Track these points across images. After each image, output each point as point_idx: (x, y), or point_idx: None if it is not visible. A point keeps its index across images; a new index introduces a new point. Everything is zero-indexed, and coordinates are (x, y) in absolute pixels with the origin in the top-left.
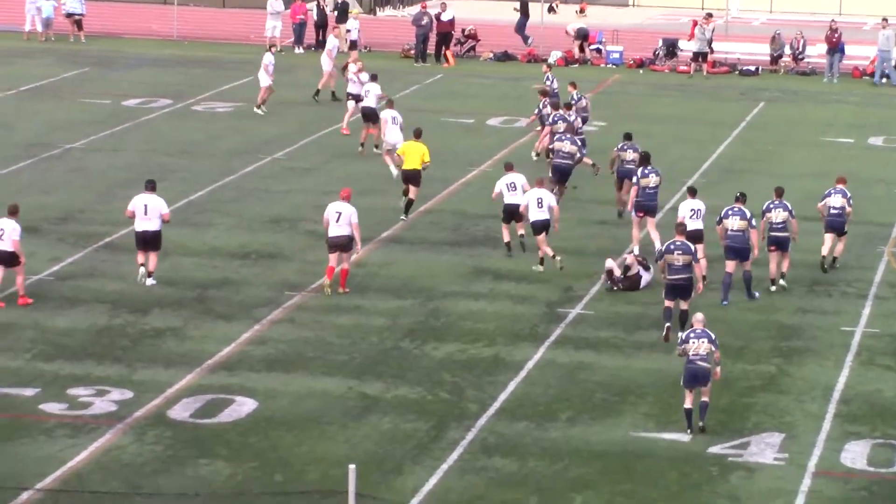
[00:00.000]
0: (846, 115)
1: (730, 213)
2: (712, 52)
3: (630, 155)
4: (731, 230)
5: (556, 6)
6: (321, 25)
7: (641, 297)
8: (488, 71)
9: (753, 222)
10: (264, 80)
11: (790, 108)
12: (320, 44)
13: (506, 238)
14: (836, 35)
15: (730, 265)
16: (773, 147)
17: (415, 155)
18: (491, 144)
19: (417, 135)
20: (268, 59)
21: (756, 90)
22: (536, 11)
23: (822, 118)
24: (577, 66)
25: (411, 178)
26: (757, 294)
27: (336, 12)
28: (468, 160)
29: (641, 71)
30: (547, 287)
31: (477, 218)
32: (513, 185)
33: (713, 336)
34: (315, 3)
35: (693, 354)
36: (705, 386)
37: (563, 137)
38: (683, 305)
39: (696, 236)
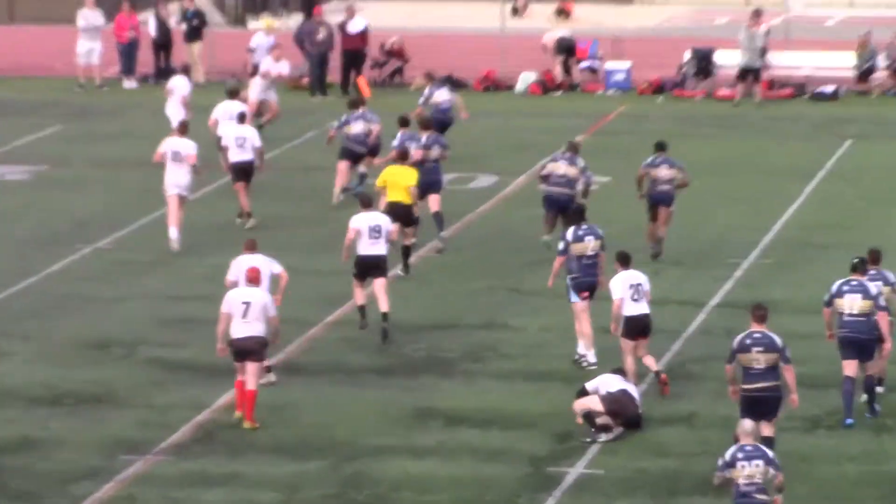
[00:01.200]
0: None
1: (845, 289)
2: (767, 66)
3: (665, 172)
4: (849, 314)
5: (523, 5)
6: (162, 46)
7: (676, 438)
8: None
9: (882, 300)
10: (176, 112)
11: (891, 147)
12: (163, 73)
13: (359, 300)
14: None
15: (849, 366)
16: (866, 207)
17: (400, 182)
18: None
19: (402, 156)
20: (180, 85)
21: (838, 122)
22: (492, 14)
23: None
24: (559, 93)
25: (401, 214)
26: (877, 407)
27: (186, 26)
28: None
29: (661, 98)
30: (531, 434)
31: (415, 330)
32: (376, 228)
33: (771, 455)
34: (152, 13)
35: (745, 483)
36: None
37: (558, 157)
38: (767, 430)
39: (643, 327)
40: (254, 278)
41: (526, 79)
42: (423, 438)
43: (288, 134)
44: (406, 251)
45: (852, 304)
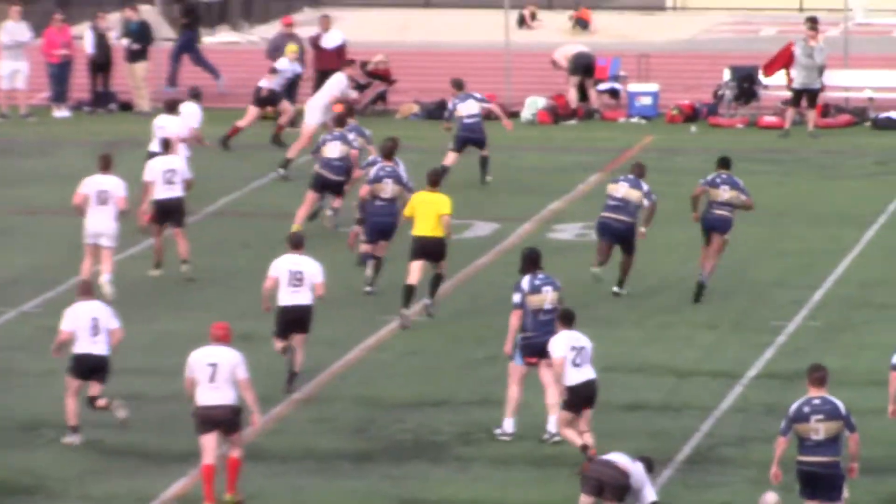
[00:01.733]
0: None
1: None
2: (824, 88)
3: (726, 193)
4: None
5: (533, 15)
6: (100, 66)
7: None
8: (412, 137)
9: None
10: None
11: None
12: (101, 99)
13: (278, 345)
14: None
15: None
16: None
17: (430, 213)
18: (428, 269)
19: (433, 181)
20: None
21: None
22: (495, 25)
23: None
24: (574, 121)
25: (430, 250)
26: None
27: (129, 41)
28: (383, 303)
29: (694, 128)
30: None
31: (400, 408)
32: (298, 274)
33: None
34: (88, 26)
35: None
36: None
37: (620, 179)
38: None
39: (588, 396)
40: (222, 336)
41: (534, 104)
42: None
43: (249, 172)
44: (437, 281)
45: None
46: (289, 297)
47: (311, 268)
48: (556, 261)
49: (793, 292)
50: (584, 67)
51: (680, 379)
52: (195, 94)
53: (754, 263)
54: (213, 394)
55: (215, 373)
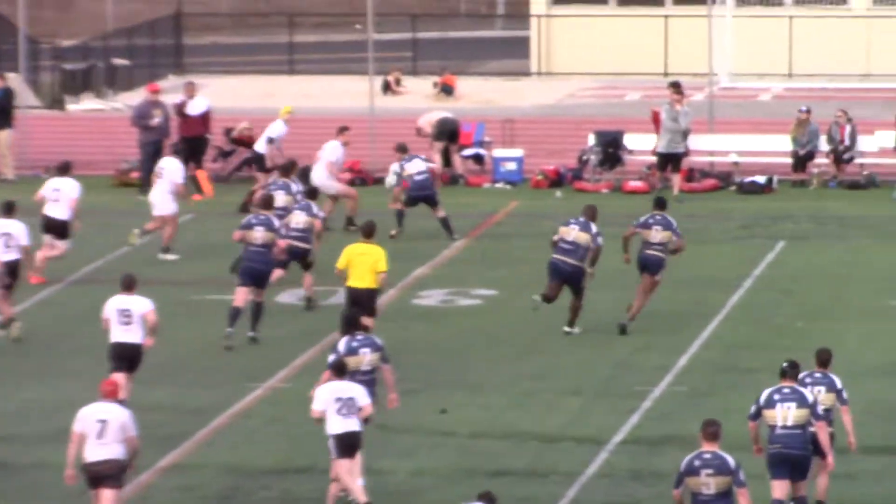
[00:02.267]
0: None
1: (776, 397)
2: (688, 152)
3: (659, 235)
4: (782, 427)
5: (397, 80)
6: None
7: None
8: None
9: (820, 409)
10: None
11: (833, 249)
12: None
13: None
14: None
15: (779, 488)
16: (802, 324)
17: (365, 264)
18: (288, 337)
19: (367, 233)
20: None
21: (769, 219)
22: (361, 90)
23: (891, 266)
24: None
25: (363, 301)
26: None
27: None
28: (248, 370)
29: (559, 192)
30: None
31: (262, 475)
32: (126, 311)
33: None
34: None
35: None
36: None
37: (571, 221)
38: None
39: (350, 445)
40: (111, 392)
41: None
42: None
43: (111, 241)
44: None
45: (785, 414)
46: (120, 334)
47: (138, 306)
48: (420, 327)
49: (658, 357)
50: (448, 133)
51: (545, 444)
52: (64, 168)
53: (616, 340)
54: (101, 449)
55: (104, 429)
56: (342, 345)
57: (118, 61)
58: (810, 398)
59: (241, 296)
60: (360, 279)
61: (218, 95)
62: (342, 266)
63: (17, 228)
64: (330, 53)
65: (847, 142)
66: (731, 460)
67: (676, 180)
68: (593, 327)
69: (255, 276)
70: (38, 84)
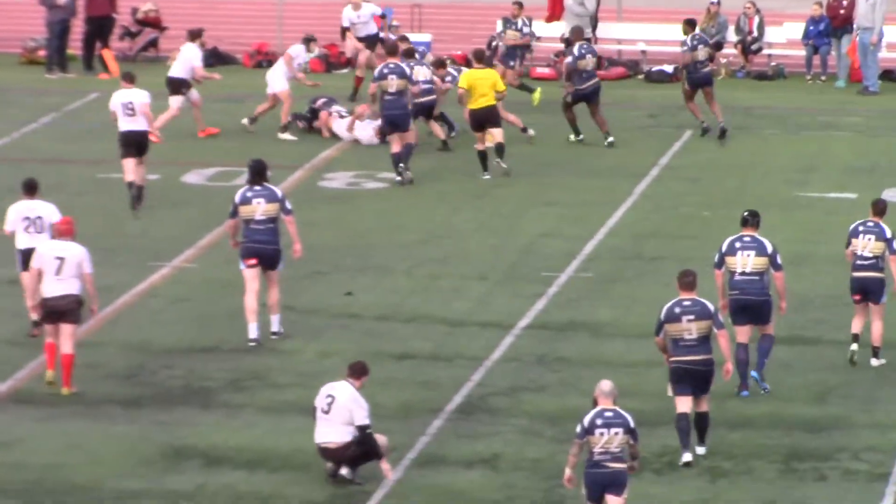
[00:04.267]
0: (841, 151)
1: (737, 245)
2: (596, 40)
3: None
4: (741, 273)
5: None
6: None
7: (477, 483)
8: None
9: (779, 259)
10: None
11: (740, 140)
12: None
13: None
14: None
15: (742, 332)
16: (708, 213)
17: (484, 85)
18: (193, 217)
19: (478, 57)
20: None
21: (676, 108)
22: None
23: (797, 157)
24: (346, 70)
25: (488, 118)
26: (767, 386)
27: None
28: (152, 250)
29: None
30: (305, 476)
31: (167, 354)
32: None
33: (633, 425)
34: None
35: (600, 452)
36: (619, 496)
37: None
38: (704, 405)
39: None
40: (66, 231)
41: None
42: (179, 481)
43: (20, 117)
44: (501, 148)
45: (743, 261)
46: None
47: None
48: (327, 208)
49: (564, 244)
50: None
51: (450, 328)
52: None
53: (523, 215)
54: (58, 285)
55: (62, 266)
56: (238, 195)
57: None
58: (769, 248)
59: (395, 144)
60: (483, 99)
61: None
62: (465, 87)
63: None
64: None
65: (755, 33)
66: (710, 305)
67: None
68: (500, 213)
69: (396, 123)
70: None
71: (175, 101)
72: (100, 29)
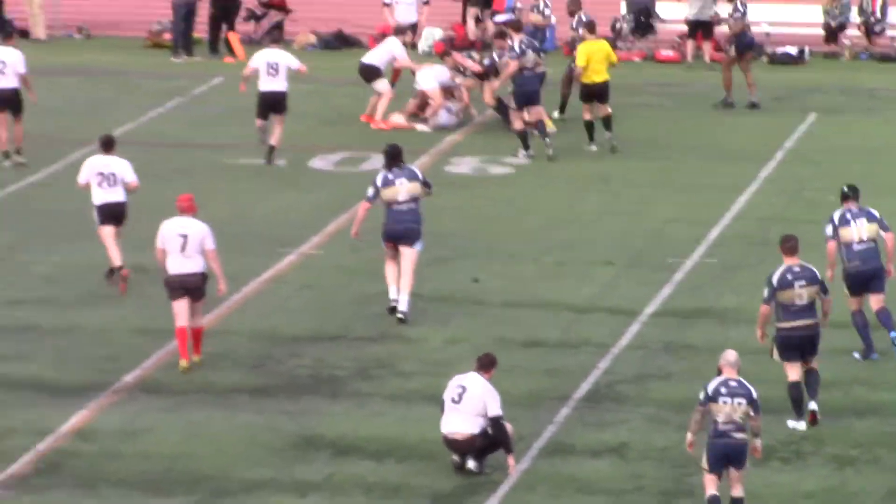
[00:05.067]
0: None
1: (847, 216)
2: (718, 20)
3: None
4: (858, 242)
5: None
6: None
7: (605, 472)
8: (311, 67)
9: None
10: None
11: (864, 122)
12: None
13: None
14: None
15: (854, 302)
16: (833, 197)
17: (599, 59)
18: (319, 203)
19: (591, 28)
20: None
21: (801, 91)
22: None
23: None
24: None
25: (601, 93)
26: None
27: None
28: (279, 236)
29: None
30: (433, 466)
31: (294, 342)
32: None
33: (755, 395)
34: None
35: (725, 421)
36: (739, 469)
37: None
38: (815, 364)
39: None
40: (187, 207)
41: (430, 35)
42: (307, 471)
43: (146, 102)
44: (608, 119)
45: (858, 231)
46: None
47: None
48: (452, 194)
49: (690, 229)
50: None
51: (577, 315)
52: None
53: (649, 201)
54: (184, 262)
55: (186, 243)
56: (379, 178)
57: None
58: (876, 213)
59: (518, 121)
60: (597, 73)
61: None
62: (582, 64)
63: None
64: None
65: (878, 14)
66: (816, 270)
67: (707, 49)
68: (626, 198)
69: (532, 98)
70: None
71: (381, 85)
72: (225, 12)
